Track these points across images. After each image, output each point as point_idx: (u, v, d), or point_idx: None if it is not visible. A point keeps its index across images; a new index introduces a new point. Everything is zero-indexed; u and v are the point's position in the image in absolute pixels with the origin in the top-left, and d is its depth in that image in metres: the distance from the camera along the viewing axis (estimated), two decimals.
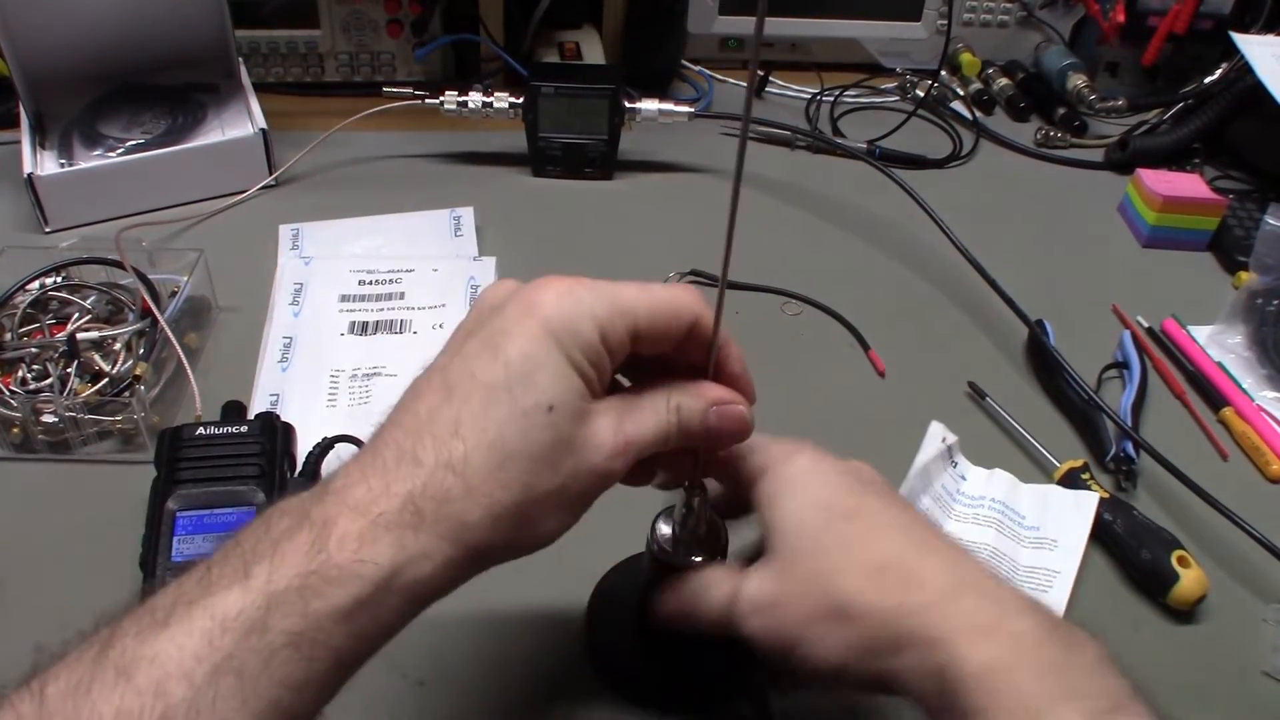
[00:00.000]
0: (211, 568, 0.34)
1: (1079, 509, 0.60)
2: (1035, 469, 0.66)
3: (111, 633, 0.33)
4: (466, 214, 0.82)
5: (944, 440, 0.63)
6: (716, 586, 0.43)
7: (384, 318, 0.71)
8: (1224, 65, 1.00)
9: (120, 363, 0.63)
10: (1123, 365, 0.73)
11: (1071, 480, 0.63)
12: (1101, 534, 0.60)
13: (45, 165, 0.81)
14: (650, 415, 0.39)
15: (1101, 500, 0.61)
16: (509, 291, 0.40)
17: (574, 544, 0.41)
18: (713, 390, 0.41)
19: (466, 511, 0.35)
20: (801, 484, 0.42)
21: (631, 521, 0.48)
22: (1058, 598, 0.56)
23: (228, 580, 0.33)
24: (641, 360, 0.40)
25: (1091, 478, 0.63)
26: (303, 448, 0.56)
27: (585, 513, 0.39)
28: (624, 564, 0.54)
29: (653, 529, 0.47)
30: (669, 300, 0.40)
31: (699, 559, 0.45)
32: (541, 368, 0.37)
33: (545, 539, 0.38)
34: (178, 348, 0.65)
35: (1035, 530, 0.60)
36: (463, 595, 0.54)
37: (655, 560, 0.47)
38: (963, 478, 0.63)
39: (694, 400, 0.40)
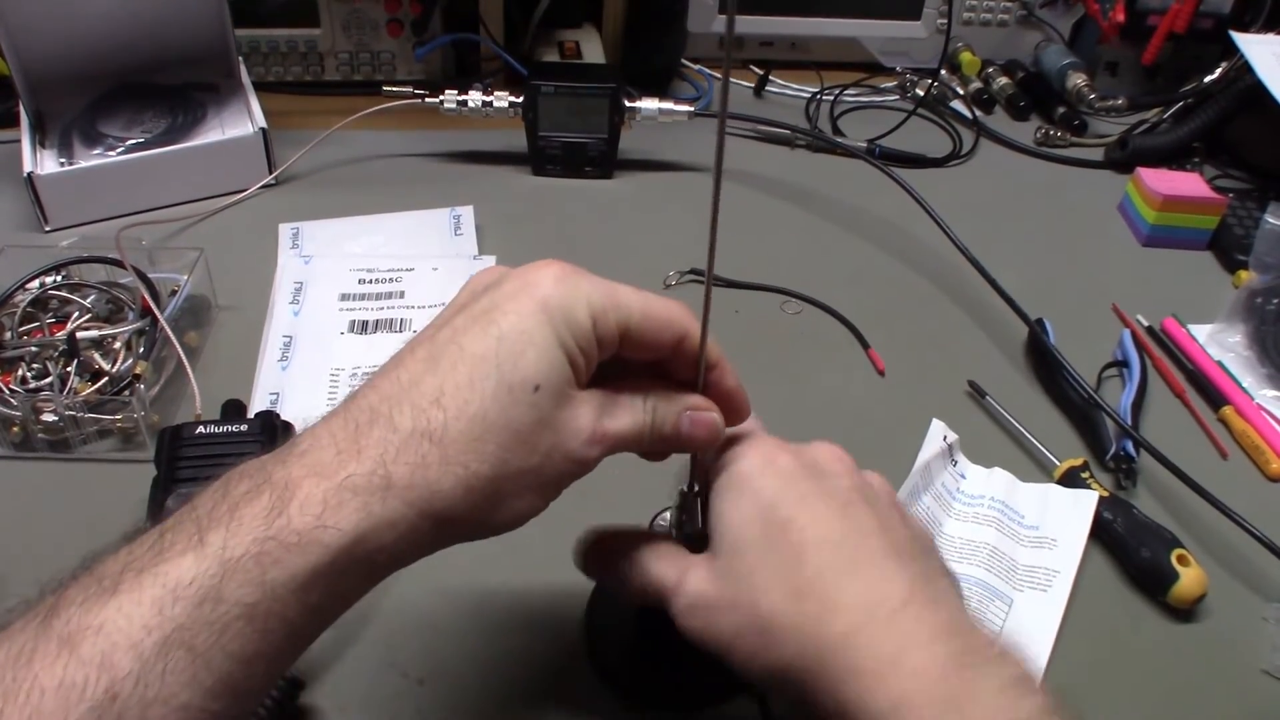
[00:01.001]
0: (165, 533, 0.33)
1: (1078, 508, 0.60)
2: (1035, 468, 0.66)
3: (57, 600, 0.32)
4: (466, 213, 0.82)
5: (945, 439, 0.63)
6: (662, 567, 0.41)
7: (384, 316, 0.71)
8: (1224, 64, 1.00)
9: (120, 362, 0.63)
10: (1123, 364, 0.73)
11: (1071, 479, 0.63)
12: (1101, 533, 0.60)
13: (45, 164, 0.81)
14: (628, 412, 0.39)
15: (1101, 499, 0.61)
16: (503, 272, 0.39)
17: (593, 479, 0.41)
18: (690, 397, 0.41)
19: (440, 480, 0.34)
20: (747, 484, 0.40)
21: (631, 520, 0.48)
22: (1057, 597, 0.56)
23: (181, 546, 0.32)
24: (629, 367, 0.40)
25: (1091, 476, 0.63)
26: None
27: (555, 500, 0.39)
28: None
29: (651, 527, 0.48)
30: (663, 308, 0.40)
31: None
32: (532, 345, 0.36)
33: (513, 519, 0.37)
34: (178, 347, 0.65)
35: (1035, 529, 0.60)
36: (463, 595, 0.54)
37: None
38: (962, 476, 0.63)
39: (670, 404, 0.40)
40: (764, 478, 0.40)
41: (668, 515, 0.47)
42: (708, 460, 0.43)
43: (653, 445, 0.41)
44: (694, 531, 0.44)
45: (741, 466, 0.41)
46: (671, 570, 0.41)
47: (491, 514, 0.36)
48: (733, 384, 0.42)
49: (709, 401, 0.41)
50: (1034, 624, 0.55)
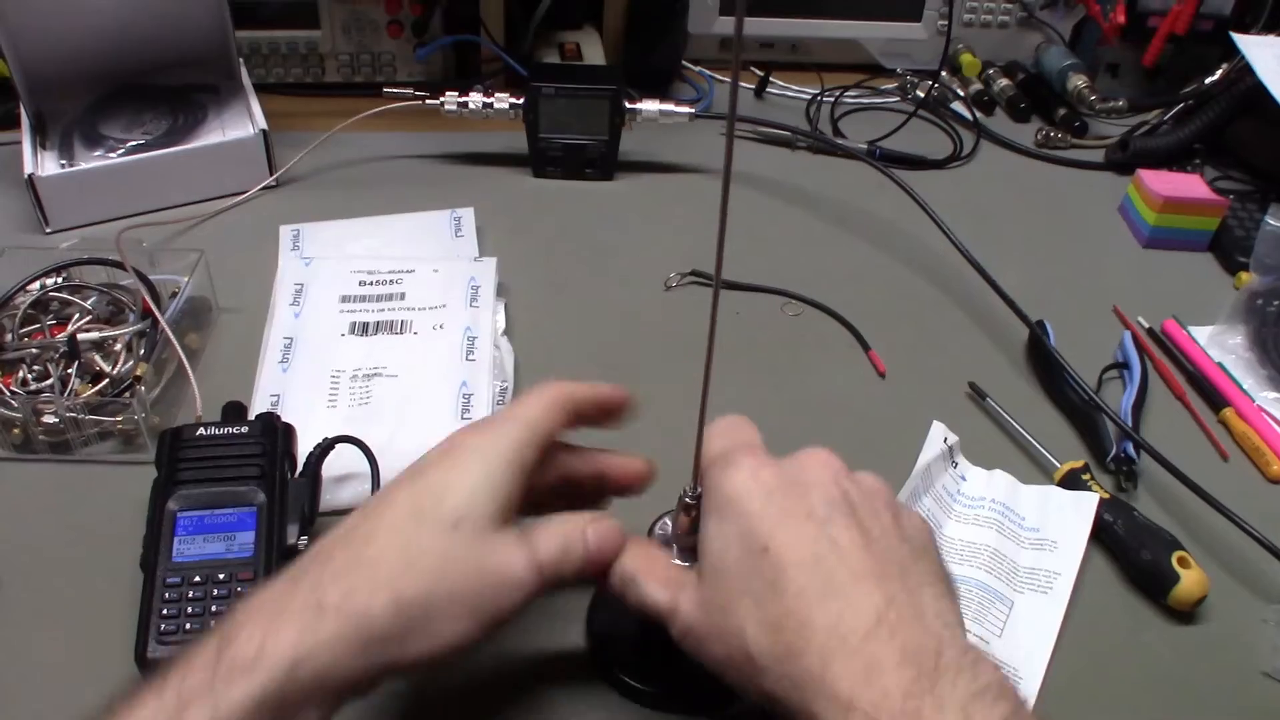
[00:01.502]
0: (130, 694, 0.37)
1: (1079, 510, 0.60)
2: (1035, 469, 0.66)
3: None
4: (467, 214, 0.82)
5: (945, 440, 0.63)
6: (656, 591, 0.43)
7: (384, 318, 0.71)
8: (1224, 66, 1.00)
9: (121, 363, 0.63)
10: (1123, 366, 0.73)
11: (1072, 481, 0.63)
12: (1102, 534, 0.60)
13: (46, 166, 0.81)
14: (555, 536, 0.42)
15: (1102, 501, 0.61)
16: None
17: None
18: (592, 514, 0.43)
19: (371, 603, 0.38)
20: (729, 506, 0.41)
21: (634, 526, 0.48)
22: (1058, 598, 0.56)
23: (142, 695, 0.36)
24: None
25: (1092, 478, 0.63)
26: (303, 448, 0.56)
27: (497, 631, 0.41)
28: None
29: (650, 533, 0.48)
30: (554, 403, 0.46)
31: (691, 566, 0.45)
32: (452, 489, 0.41)
33: (449, 643, 0.39)
34: (178, 348, 0.65)
35: (1035, 532, 0.60)
36: None
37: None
38: (963, 478, 0.63)
39: (595, 522, 0.43)
40: (746, 499, 0.40)
41: (668, 522, 0.48)
42: (705, 479, 0.44)
43: (583, 566, 0.43)
44: (692, 537, 0.44)
45: (725, 488, 0.41)
46: (665, 594, 0.42)
47: (425, 636, 0.39)
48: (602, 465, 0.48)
49: (604, 517, 0.44)
50: (1034, 626, 0.55)
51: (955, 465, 0.64)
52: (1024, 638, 0.55)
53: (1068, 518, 0.60)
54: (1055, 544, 0.59)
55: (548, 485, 0.46)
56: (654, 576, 0.43)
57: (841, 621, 0.37)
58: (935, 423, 0.64)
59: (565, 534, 0.43)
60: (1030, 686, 0.52)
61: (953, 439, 0.64)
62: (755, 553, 0.39)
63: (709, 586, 0.40)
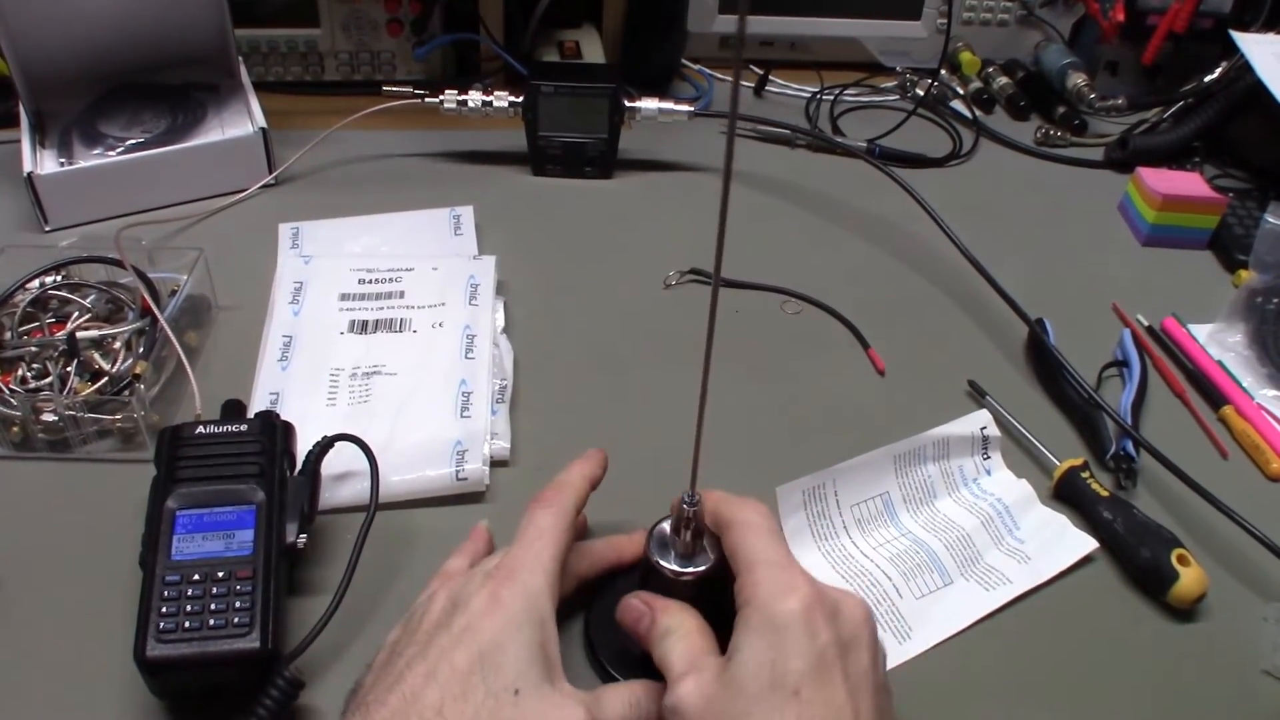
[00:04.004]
0: None
1: (1068, 545, 0.60)
2: (1035, 468, 0.65)
3: None
4: (466, 213, 0.82)
5: (983, 429, 0.64)
6: (682, 658, 0.44)
7: (384, 316, 0.71)
8: (1224, 64, 1.00)
9: (120, 361, 0.63)
10: (1123, 364, 0.73)
11: (1072, 479, 0.63)
12: (1101, 532, 0.60)
13: (45, 164, 0.81)
14: (617, 705, 0.45)
15: (1102, 499, 0.61)
16: (470, 588, 0.46)
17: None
18: (668, 694, 0.43)
19: None
20: (778, 634, 0.41)
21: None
22: (990, 601, 0.56)
23: None
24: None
25: (1091, 476, 0.63)
26: (302, 446, 0.56)
27: None
28: (618, 577, 0.54)
29: (649, 535, 0.49)
30: (605, 549, 0.54)
31: (688, 571, 0.47)
32: (507, 655, 0.43)
33: None
34: (177, 346, 0.65)
35: (1020, 543, 0.60)
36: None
37: (648, 564, 0.48)
38: (987, 472, 0.64)
39: (650, 699, 0.45)
40: (797, 633, 0.41)
41: (665, 527, 0.48)
42: (747, 579, 0.44)
43: None
44: (690, 543, 0.47)
45: (779, 615, 0.41)
46: (684, 664, 0.43)
47: None
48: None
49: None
50: (954, 609, 0.56)
51: (987, 457, 0.64)
52: (937, 612, 0.56)
53: (1054, 544, 0.60)
54: (1028, 559, 0.59)
55: (565, 594, 0.50)
56: (686, 643, 0.44)
57: None
58: (983, 411, 0.65)
59: (625, 706, 0.45)
60: (912, 648, 0.54)
61: (994, 433, 0.64)
62: (785, 691, 0.40)
63: (727, 690, 0.41)
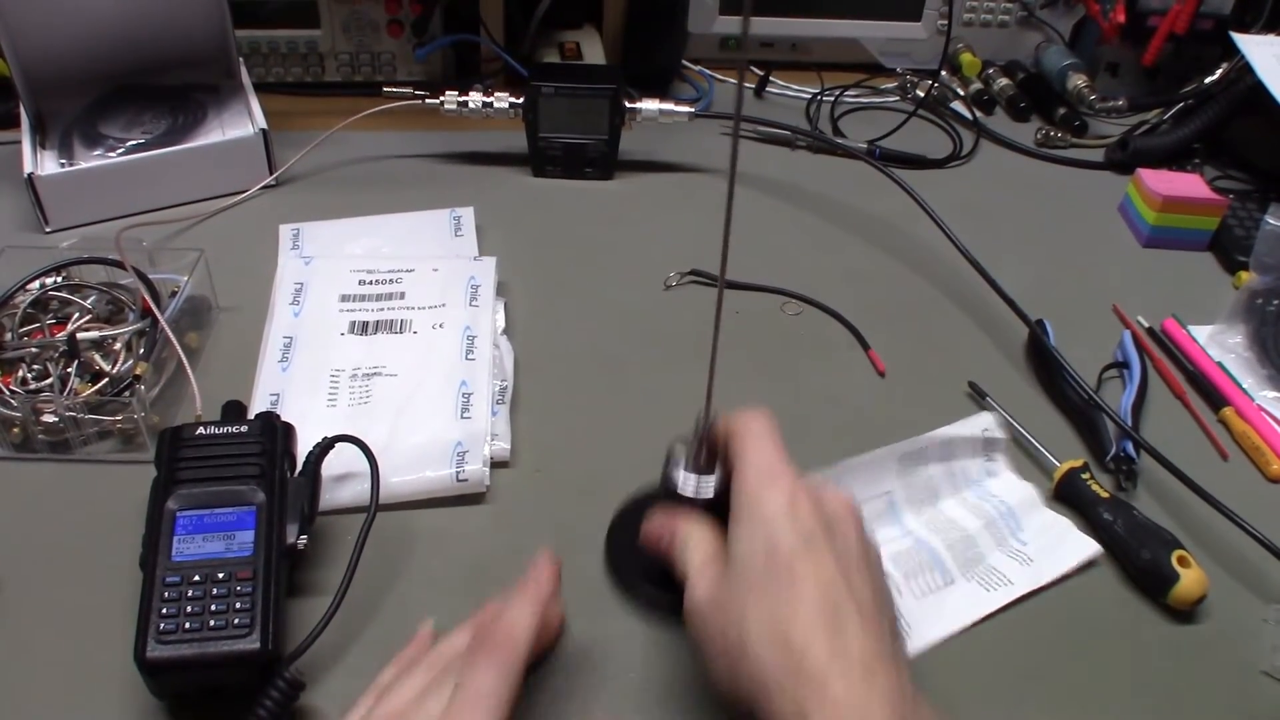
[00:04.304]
0: None
1: (1070, 546, 0.60)
2: (1036, 469, 0.65)
3: None
4: (466, 214, 0.82)
5: (985, 430, 0.64)
6: (687, 559, 0.47)
7: (384, 317, 0.71)
8: (1224, 65, 1.00)
9: (120, 362, 0.63)
10: (1123, 365, 0.73)
11: (1072, 480, 0.63)
12: (1102, 534, 0.60)
13: (45, 165, 0.81)
14: None
15: (1102, 500, 0.61)
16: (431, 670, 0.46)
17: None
18: None
19: None
20: (765, 524, 0.44)
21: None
22: (993, 601, 0.57)
23: None
24: None
25: (1092, 477, 0.63)
26: (303, 447, 0.56)
27: None
28: (639, 494, 0.59)
29: (667, 456, 0.52)
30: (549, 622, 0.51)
31: (704, 495, 0.50)
32: None
33: None
34: (178, 347, 0.65)
35: (1023, 545, 0.60)
36: (464, 595, 0.54)
37: (666, 483, 0.52)
38: (993, 475, 0.64)
39: None
40: (782, 518, 0.44)
41: (681, 444, 0.51)
42: (740, 475, 0.47)
43: None
44: (703, 461, 0.50)
45: (765, 508, 0.45)
46: (693, 569, 0.47)
47: None
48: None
49: None
50: (955, 609, 0.56)
51: (991, 459, 0.64)
52: (937, 611, 0.56)
53: (1056, 547, 0.60)
54: (1030, 560, 0.59)
55: None
56: (698, 552, 0.47)
57: (842, 658, 0.40)
58: (987, 414, 0.65)
59: None
60: (911, 647, 0.54)
61: (998, 435, 0.64)
62: (780, 567, 0.43)
63: (728, 584, 0.44)
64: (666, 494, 0.51)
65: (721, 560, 0.46)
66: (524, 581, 0.48)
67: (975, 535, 0.60)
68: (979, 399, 0.70)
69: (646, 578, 0.55)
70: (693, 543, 0.48)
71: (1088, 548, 0.60)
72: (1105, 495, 0.61)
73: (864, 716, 0.39)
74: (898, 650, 0.43)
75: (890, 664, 0.41)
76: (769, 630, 0.42)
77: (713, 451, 0.50)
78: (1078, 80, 1.06)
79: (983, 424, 0.64)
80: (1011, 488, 0.63)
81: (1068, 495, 0.63)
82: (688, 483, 0.50)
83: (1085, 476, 0.62)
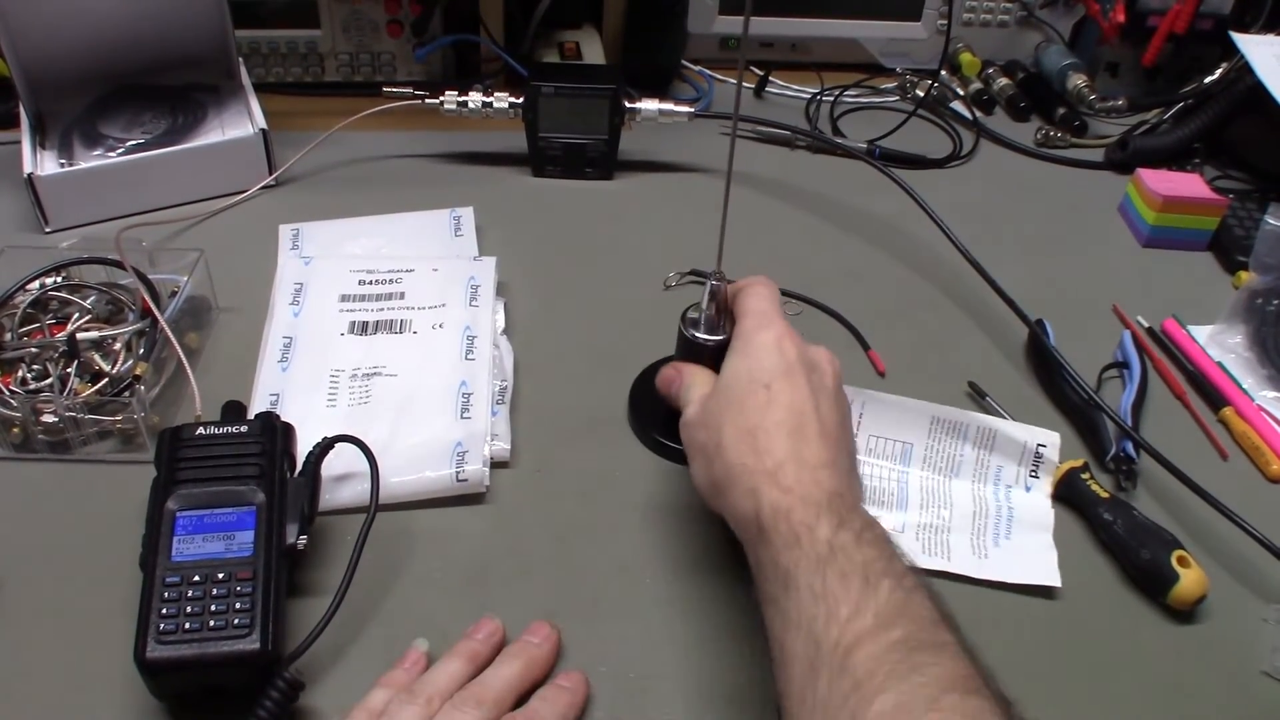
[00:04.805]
0: None
1: (1031, 564, 0.59)
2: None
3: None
4: (466, 214, 0.82)
5: (1040, 444, 0.63)
6: (687, 395, 0.55)
7: (384, 318, 0.71)
8: (1224, 65, 1.00)
9: (120, 363, 0.63)
10: (1123, 365, 0.73)
11: (1071, 480, 0.63)
12: (1102, 534, 0.60)
13: (45, 165, 0.81)
14: None
15: (1102, 500, 0.61)
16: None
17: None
18: None
19: None
20: (754, 351, 0.52)
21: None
22: (920, 562, 0.57)
23: None
24: None
25: (1091, 477, 0.63)
26: (303, 447, 0.56)
27: None
28: (657, 363, 0.67)
29: (684, 314, 0.60)
30: None
31: (713, 339, 0.58)
32: None
33: None
34: (178, 348, 0.65)
35: (993, 546, 0.60)
36: (464, 595, 0.55)
37: (682, 336, 0.60)
38: (1027, 489, 0.63)
39: None
40: (768, 351, 0.52)
41: (695, 307, 0.60)
42: (740, 317, 0.55)
43: None
44: (713, 316, 0.58)
45: (756, 339, 0.52)
46: (693, 394, 0.55)
47: None
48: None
49: None
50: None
51: (1035, 475, 0.63)
52: None
53: (1020, 556, 0.59)
54: (985, 556, 0.59)
55: None
56: (699, 388, 0.55)
57: (801, 454, 0.48)
58: (1053, 433, 0.64)
59: None
60: None
61: (1051, 455, 0.63)
62: (758, 385, 0.50)
63: (715, 397, 0.52)
64: (680, 342, 0.60)
65: (702, 396, 0.54)
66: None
67: (955, 515, 0.60)
68: (978, 399, 0.70)
69: (657, 427, 0.65)
70: (694, 382, 0.56)
71: (1048, 574, 0.58)
72: (1105, 495, 0.61)
73: (804, 499, 0.46)
74: (850, 469, 0.50)
75: (839, 473, 0.48)
76: (740, 432, 0.49)
77: (719, 312, 0.58)
78: (1078, 80, 1.06)
79: (1041, 438, 0.63)
80: (1034, 506, 0.62)
81: (1067, 495, 0.63)
82: (697, 337, 0.59)
83: (1085, 476, 0.63)
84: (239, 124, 0.87)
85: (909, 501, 0.61)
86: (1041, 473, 0.63)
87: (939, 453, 0.64)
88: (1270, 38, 0.96)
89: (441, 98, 0.88)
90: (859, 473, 0.52)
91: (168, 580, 0.48)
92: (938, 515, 0.61)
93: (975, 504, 0.62)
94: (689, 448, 0.53)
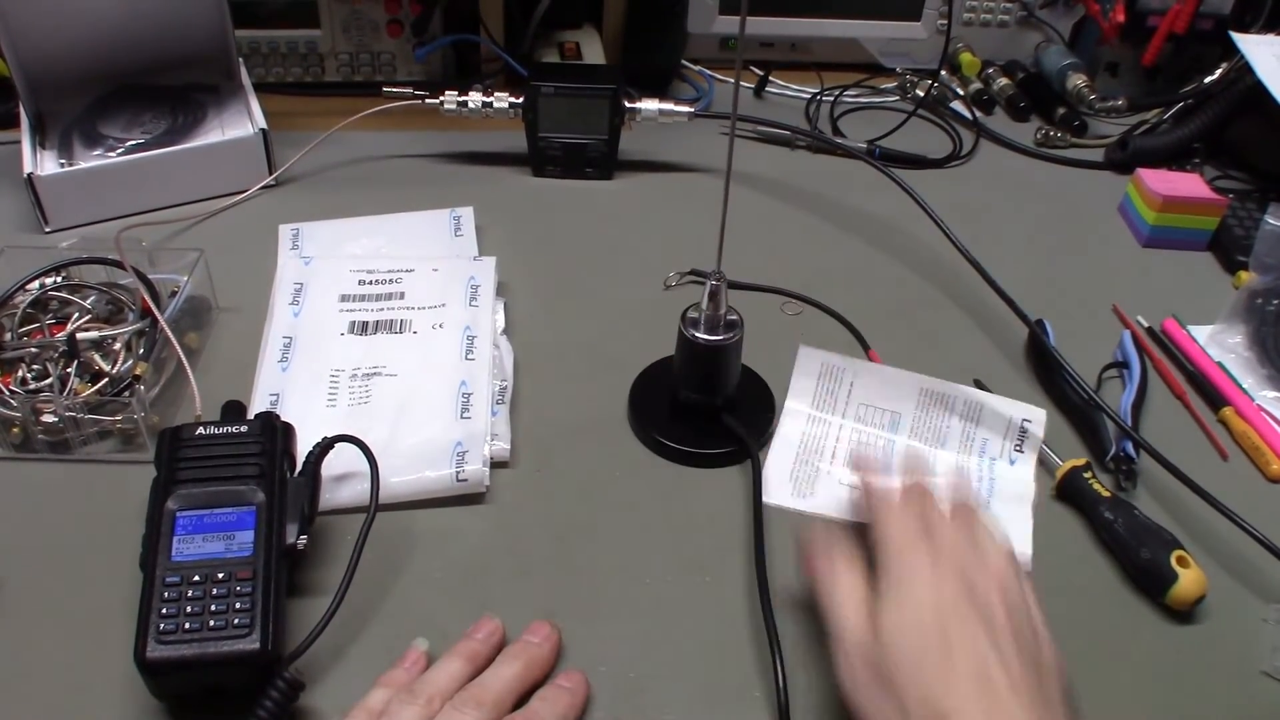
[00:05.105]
0: None
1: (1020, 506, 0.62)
2: (1039, 468, 0.65)
3: None
4: (466, 214, 0.82)
5: (1024, 419, 0.64)
6: (839, 605, 0.48)
7: (384, 317, 0.71)
8: (1224, 65, 1.00)
9: (120, 363, 0.63)
10: (1123, 365, 0.73)
11: (1074, 479, 0.63)
12: (1102, 533, 0.60)
13: (45, 165, 0.81)
14: None
15: (1104, 499, 0.61)
16: None
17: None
18: None
19: None
20: (912, 591, 0.46)
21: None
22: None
23: None
24: None
25: (1094, 477, 0.63)
26: (303, 447, 0.56)
27: None
28: (656, 363, 0.69)
29: (684, 314, 0.61)
30: None
31: (713, 339, 0.60)
32: None
33: None
34: (178, 348, 0.65)
35: (979, 484, 0.62)
36: (464, 595, 0.54)
37: (682, 336, 0.61)
38: (1011, 462, 0.64)
39: None
40: (928, 593, 0.46)
41: (695, 307, 0.61)
42: (879, 545, 0.50)
43: None
44: (715, 316, 0.61)
45: (911, 578, 0.47)
46: (848, 619, 0.47)
47: None
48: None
49: None
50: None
51: (1019, 449, 0.64)
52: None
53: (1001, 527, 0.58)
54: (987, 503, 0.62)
55: None
56: (850, 600, 0.48)
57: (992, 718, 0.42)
58: (1039, 409, 0.65)
59: None
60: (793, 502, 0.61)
61: (1035, 429, 0.64)
62: (928, 644, 0.44)
63: (883, 648, 0.45)
64: (681, 343, 0.61)
65: (868, 617, 0.47)
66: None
67: (939, 486, 0.59)
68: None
69: (657, 427, 0.65)
70: (840, 592, 0.49)
71: (1021, 545, 0.59)
72: (1107, 495, 0.61)
73: None
74: (1055, 698, 0.44)
75: None
76: (924, 707, 0.43)
77: (719, 305, 0.60)
78: (1077, 80, 1.06)
79: (1027, 413, 0.65)
80: (1017, 479, 0.64)
81: (1070, 494, 0.63)
82: (697, 337, 0.60)
83: (1088, 476, 0.62)
84: (239, 124, 0.87)
85: (894, 468, 0.61)
86: (1026, 448, 0.64)
87: (926, 424, 0.65)
88: (1270, 38, 0.96)
89: (441, 98, 0.88)
90: (1055, 676, 0.46)
91: (168, 580, 0.48)
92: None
93: (959, 475, 0.63)
94: (847, 684, 0.46)
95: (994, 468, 0.64)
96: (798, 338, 0.75)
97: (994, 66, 1.12)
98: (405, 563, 0.57)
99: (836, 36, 1.11)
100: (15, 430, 0.61)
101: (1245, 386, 0.72)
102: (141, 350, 0.64)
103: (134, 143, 0.83)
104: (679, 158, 0.95)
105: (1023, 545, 0.60)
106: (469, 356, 0.68)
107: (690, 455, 0.64)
